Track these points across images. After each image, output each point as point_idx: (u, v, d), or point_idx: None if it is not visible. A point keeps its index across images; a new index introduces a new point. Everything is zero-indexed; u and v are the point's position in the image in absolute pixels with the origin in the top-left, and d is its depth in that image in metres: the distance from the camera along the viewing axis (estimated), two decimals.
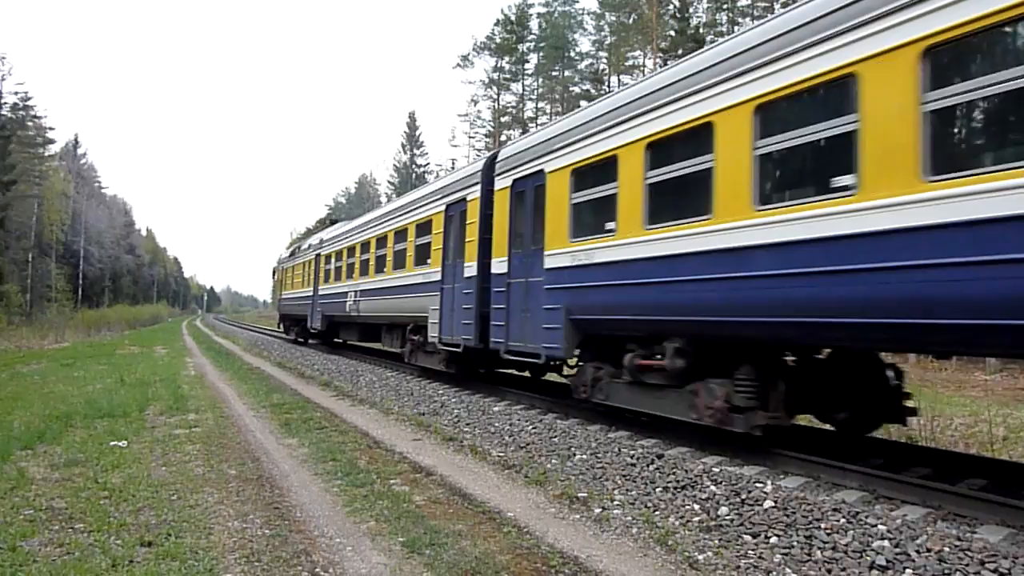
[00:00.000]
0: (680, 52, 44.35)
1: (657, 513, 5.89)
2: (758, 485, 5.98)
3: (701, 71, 7.20)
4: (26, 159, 62.09)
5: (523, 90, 61.43)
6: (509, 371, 14.35)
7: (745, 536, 5.25)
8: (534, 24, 59.59)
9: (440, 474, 7.29)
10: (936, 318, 4.97)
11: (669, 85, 7.67)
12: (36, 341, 36.12)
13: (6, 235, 53.66)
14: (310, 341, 28.78)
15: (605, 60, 55.84)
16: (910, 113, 5.13)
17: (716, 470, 6.53)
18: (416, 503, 6.21)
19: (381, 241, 18.07)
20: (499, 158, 12.00)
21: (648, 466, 6.96)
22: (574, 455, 7.77)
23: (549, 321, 9.51)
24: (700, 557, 4.95)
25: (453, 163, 67.22)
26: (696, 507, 5.88)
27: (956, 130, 5.33)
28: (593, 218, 9.08)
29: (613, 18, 54.17)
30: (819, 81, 5.86)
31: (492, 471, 7.54)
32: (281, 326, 35.54)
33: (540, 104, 60.75)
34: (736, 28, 41.85)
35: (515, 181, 11.08)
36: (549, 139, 10.20)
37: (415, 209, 15.84)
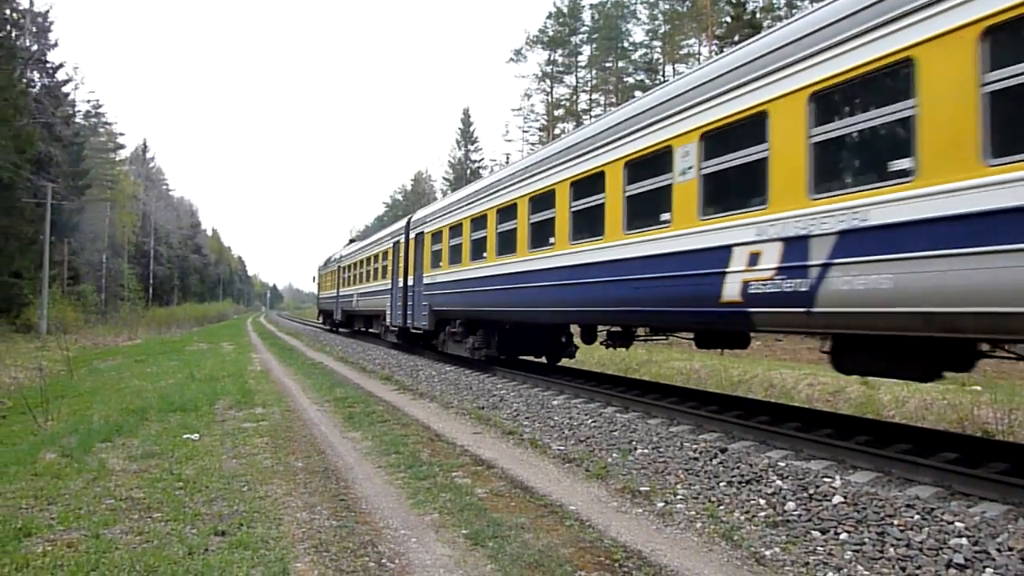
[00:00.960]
0: (737, 39, 43.53)
1: (721, 508, 5.81)
2: (826, 480, 5.84)
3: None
4: (98, 164, 64.48)
5: (576, 82, 61.19)
6: (527, 359, 16.94)
7: (814, 532, 5.13)
8: (587, 16, 59.25)
9: (501, 467, 7.32)
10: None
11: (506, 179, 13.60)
12: (111, 338, 37.58)
13: (81, 237, 55.86)
14: (340, 329, 37.01)
15: (659, 49, 55.15)
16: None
17: (782, 464, 6.40)
18: (478, 495, 6.25)
19: (366, 261, 26.90)
20: (412, 220, 20.23)
21: (711, 460, 6.87)
22: (635, 449, 7.72)
23: (424, 310, 17.70)
24: (767, 553, 4.86)
25: (507, 157, 67.38)
26: (762, 502, 5.78)
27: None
28: (437, 258, 17.13)
29: (667, 6, 53.44)
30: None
31: (552, 464, 7.54)
32: (320, 318, 46.61)
33: (594, 96, 60.38)
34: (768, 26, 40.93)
35: (417, 235, 19.09)
36: (423, 216, 19.02)
37: (379, 242, 25.11)
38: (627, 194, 9.11)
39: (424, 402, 12.10)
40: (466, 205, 15.63)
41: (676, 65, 53.21)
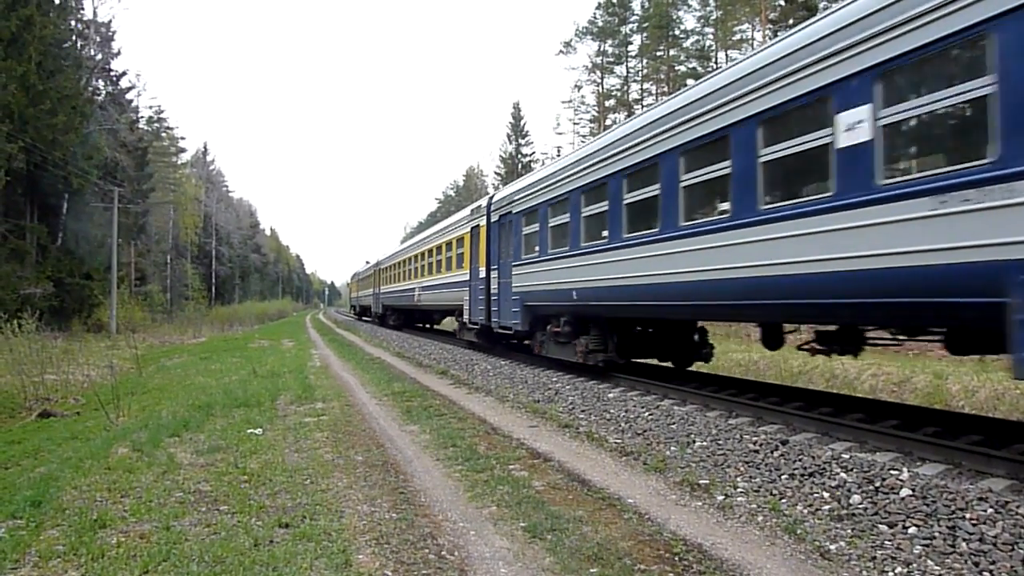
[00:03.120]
0: (791, 22, 42.46)
1: (784, 501, 5.70)
2: (893, 472, 5.67)
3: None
4: (162, 168, 66.52)
5: (627, 72, 60.47)
6: (648, 363, 14.13)
7: (880, 526, 4.99)
8: (636, 4, 58.48)
9: (558, 460, 7.31)
10: None
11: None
12: (177, 337, 38.81)
13: (147, 239, 57.74)
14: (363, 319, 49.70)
15: (711, 36, 54.16)
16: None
17: (846, 456, 6.24)
18: (536, 488, 6.26)
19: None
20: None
21: (772, 452, 6.74)
22: (694, 442, 7.62)
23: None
24: (832, 547, 4.75)
25: (558, 150, 67.16)
26: (825, 495, 5.64)
27: None
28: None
29: None
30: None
31: (610, 458, 7.50)
32: (352, 312, 64.19)
33: (645, 85, 59.65)
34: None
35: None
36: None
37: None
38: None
39: (480, 396, 12.17)
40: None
41: (729, 52, 52.23)
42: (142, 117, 61.85)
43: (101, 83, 49.89)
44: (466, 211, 20.91)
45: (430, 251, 24.89)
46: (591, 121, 65.52)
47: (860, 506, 5.33)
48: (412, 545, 4.88)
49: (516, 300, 14.98)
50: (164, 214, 64.91)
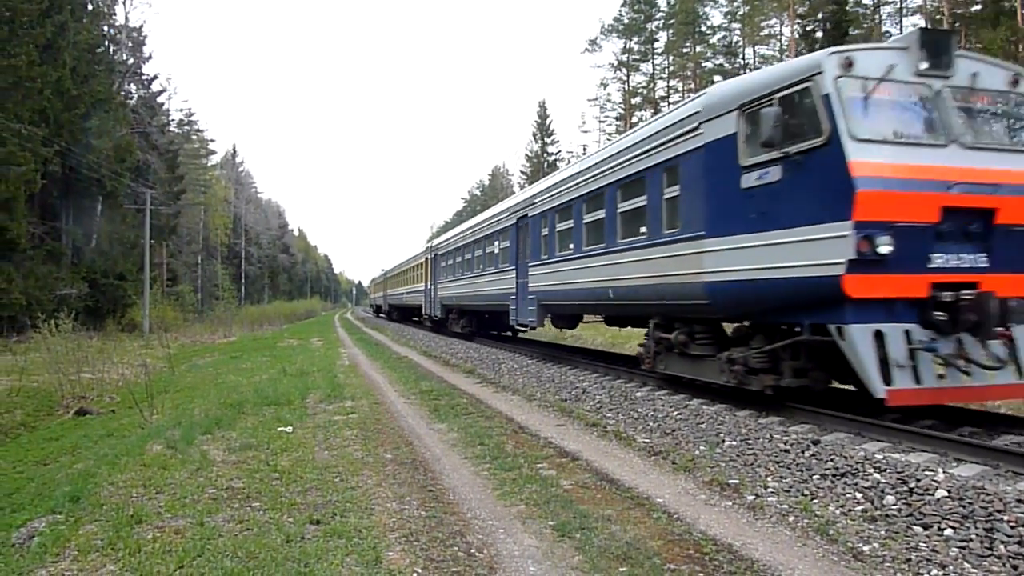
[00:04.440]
0: (820, 17, 41.97)
1: (815, 501, 5.63)
2: (928, 473, 5.59)
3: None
4: (192, 170, 67.47)
5: (653, 69, 60.26)
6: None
7: (915, 527, 4.92)
8: (662, 1, 58.16)
9: (586, 459, 7.31)
10: None
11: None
12: (208, 336, 39.30)
13: (178, 240, 58.59)
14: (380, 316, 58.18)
15: (738, 32, 53.66)
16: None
17: (879, 457, 6.16)
18: (564, 487, 6.26)
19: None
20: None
21: (803, 452, 6.66)
22: (723, 441, 7.57)
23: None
24: (865, 548, 4.69)
25: (584, 148, 67.00)
26: (858, 496, 5.57)
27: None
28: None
29: None
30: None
31: (638, 457, 7.48)
32: (371, 309, 75.87)
33: (671, 82, 59.31)
34: None
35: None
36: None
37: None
38: None
39: (507, 395, 12.19)
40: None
41: (756, 47, 51.76)
42: (173, 120, 62.74)
43: (133, 87, 50.76)
44: (379, 272, 47.28)
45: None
46: (617, 119, 65.35)
47: (894, 507, 5.26)
48: (441, 543, 4.91)
49: (387, 302, 32.92)
50: (195, 215, 65.84)
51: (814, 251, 7.06)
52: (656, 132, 10.29)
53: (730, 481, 6.24)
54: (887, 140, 7.01)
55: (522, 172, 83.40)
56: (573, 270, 13.49)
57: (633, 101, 61.78)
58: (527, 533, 5.11)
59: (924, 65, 7.30)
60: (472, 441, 8.22)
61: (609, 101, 65.41)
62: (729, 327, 9.73)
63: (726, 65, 55.39)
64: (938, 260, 6.93)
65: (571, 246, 13.79)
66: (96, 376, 18.20)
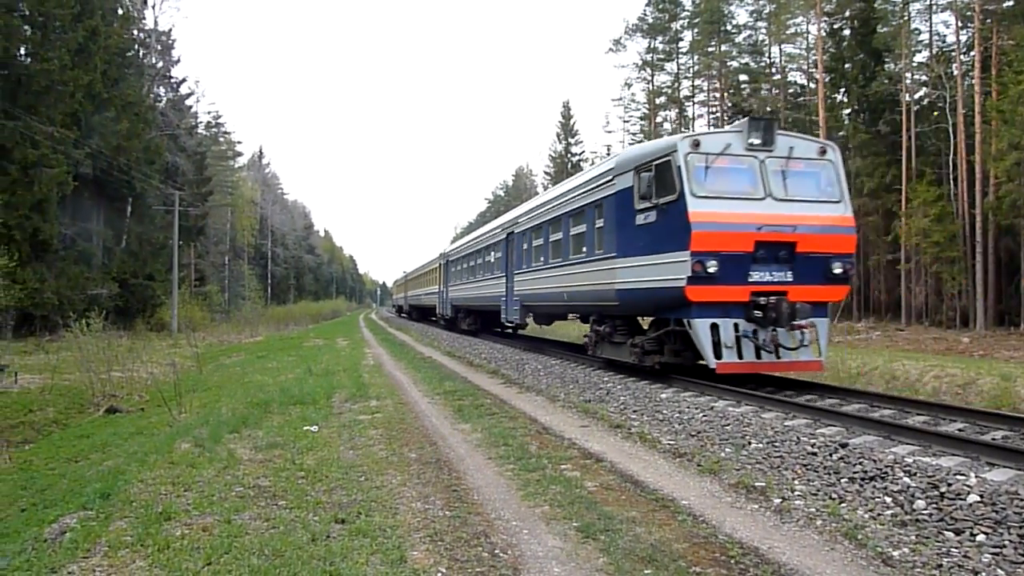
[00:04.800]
0: (847, 14, 41.43)
1: (843, 505, 5.56)
2: (959, 477, 5.49)
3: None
4: (220, 172, 68.18)
5: (678, 69, 59.70)
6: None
7: (946, 532, 4.84)
8: (687, 0, 57.72)
9: (610, 460, 7.28)
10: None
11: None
12: (235, 336, 39.73)
13: (206, 241, 59.29)
14: (401, 315, 62.12)
15: (764, 30, 53.11)
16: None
17: (909, 461, 6.07)
18: (588, 489, 6.23)
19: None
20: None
21: (831, 455, 6.59)
22: (749, 443, 7.50)
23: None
24: (895, 553, 4.62)
25: (608, 149, 66.83)
26: (888, 500, 5.50)
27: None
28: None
29: None
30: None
31: (663, 459, 7.43)
32: (394, 309, 78.72)
33: (696, 82, 58.81)
34: None
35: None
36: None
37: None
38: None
39: (531, 395, 12.19)
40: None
41: (783, 46, 51.17)
42: (201, 122, 63.50)
43: (162, 90, 51.45)
44: (400, 275, 53.54)
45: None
46: (641, 119, 64.97)
47: (925, 512, 5.18)
48: (466, 543, 4.91)
49: (407, 302, 38.49)
50: (222, 216, 66.55)
51: (671, 270, 10.28)
52: (591, 178, 13.74)
53: (756, 484, 6.18)
54: (719, 196, 10.17)
55: (546, 173, 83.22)
56: (543, 278, 16.67)
57: (658, 101, 61.32)
58: (551, 534, 5.10)
59: (753, 142, 10.51)
60: (496, 441, 8.23)
61: (633, 101, 65.05)
62: (646, 321, 13.10)
63: (752, 64, 54.88)
64: (755, 276, 10.12)
65: (541, 259, 16.88)
66: (126, 375, 18.49)
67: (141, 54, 45.59)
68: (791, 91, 50.55)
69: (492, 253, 22.50)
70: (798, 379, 11.84)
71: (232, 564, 4.41)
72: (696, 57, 57.03)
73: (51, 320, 29.55)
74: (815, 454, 6.74)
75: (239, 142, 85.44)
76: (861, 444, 6.97)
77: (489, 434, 8.66)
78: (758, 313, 10.11)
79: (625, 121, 67.20)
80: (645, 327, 12.96)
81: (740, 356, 10.10)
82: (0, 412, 14.15)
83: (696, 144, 10.43)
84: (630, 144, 66.73)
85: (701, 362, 11.01)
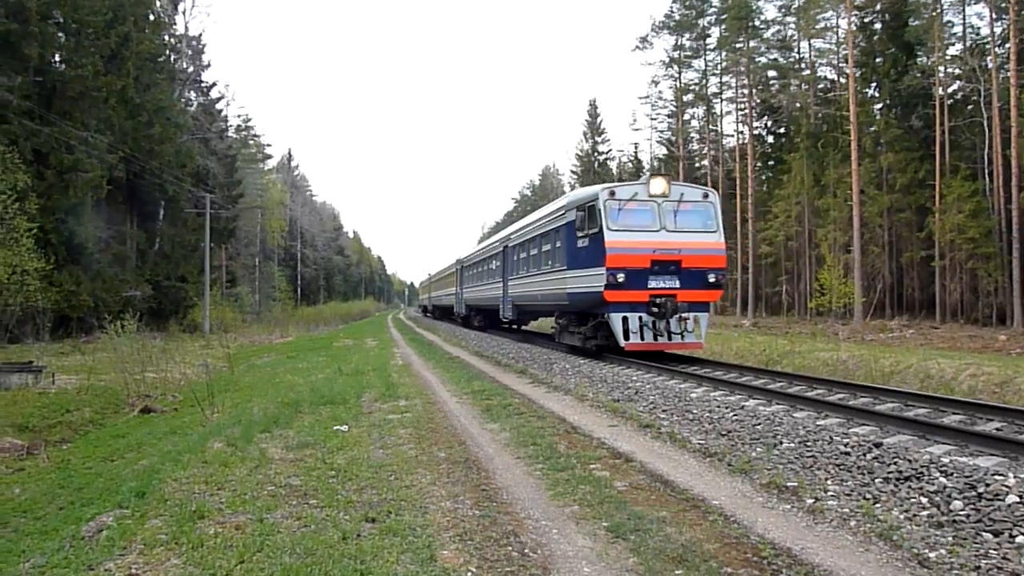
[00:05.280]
0: (878, 8, 40.78)
1: (878, 505, 5.47)
2: (997, 478, 5.38)
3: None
4: (250, 174, 68.94)
5: (705, 66, 59.11)
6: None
7: (984, 534, 4.75)
8: None
9: (639, 460, 7.24)
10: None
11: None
12: (265, 336, 40.20)
13: (236, 243, 60.03)
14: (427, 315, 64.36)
15: (793, 25, 52.40)
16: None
17: (945, 460, 5.96)
18: (617, 488, 6.20)
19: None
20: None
21: (865, 455, 6.49)
22: (780, 443, 7.42)
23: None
24: (931, 555, 4.54)
25: (636, 147, 66.49)
26: (923, 500, 5.40)
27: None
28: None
29: None
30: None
31: (693, 458, 7.38)
32: (420, 309, 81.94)
33: (724, 78, 58.19)
34: None
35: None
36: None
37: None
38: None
39: (559, 395, 12.17)
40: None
41: (812, 41, 50.42)
42: (231, 126, 64.31)
43: (193, 94, 52.15)
44: (426, 277, 55.56)
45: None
46: (669, 116, 64.57)
47: (962, 513, 5.09)
48: (495, 542, 4.92)
49: (429, 303, 54.45)
50: (252, 219, 67.26)
51: (596, 280, 14.79)
52: (554, 211, 18.67)
53: (788, 484, 6.11)
54: (627, 229, 14.71)
55: (572, 172, 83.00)
56: (526, 283, 21.26)
57: (685, 98, 60.77)
58: (581, 534, 5.09)
59: (654, 192, 15.15)
60: (524, 441, 8.22)
61: (661, 99, 64.55)
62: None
63: (780, 60, 54.20)
64: (652, 284, 14.63)
65: (524, 268, 21.53)
66: (160, 375, 18.80)
67: (172, 59, 46.23)
68: (821, 86, 49.81)
69: (494, 262, 26.87)
70: (830, 379, 11.67)
71: (264, 562, 4.45)
72: (724, 53, 56.40)
73: (87, 322, 30.13)
74: (848, 454, 6.65)
75: (268, 145, 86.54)
76: (895, 444, 6.86)
77: (518, 433, 8.66)
78: (655, 309, 14.73)
79: (652, 119, 66.89)
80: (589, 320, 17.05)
81: (642, 338, 14.74)
82: (38, 412, 14.43)
83: (612, 193, 15.10)
84: (656, 142, 66.71)
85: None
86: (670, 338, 14.85)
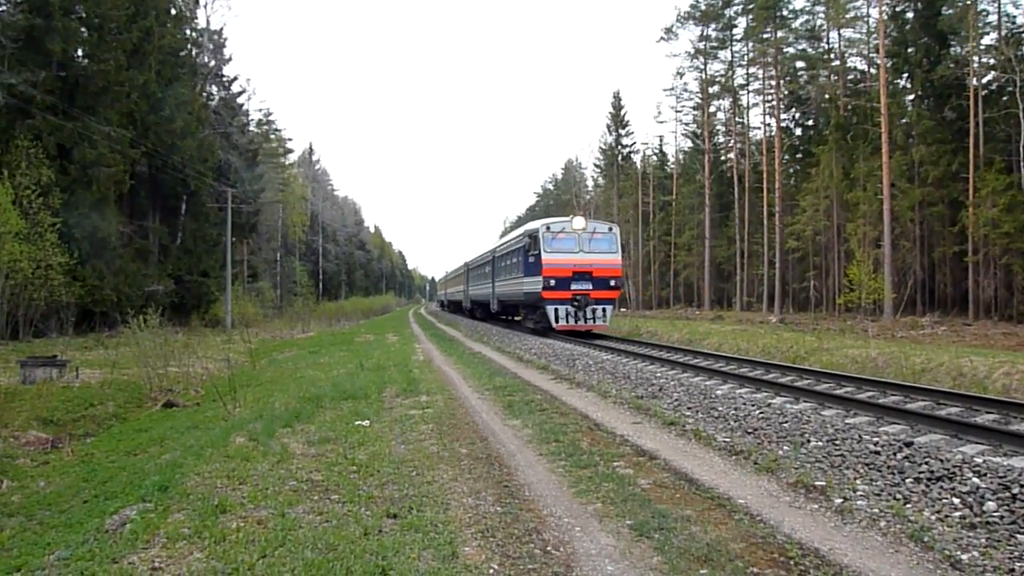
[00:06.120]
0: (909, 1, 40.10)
1: (909, 506, 5.41)
2: None
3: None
4: (271, 169, 69.39)
5: (732, 57, 58.40)
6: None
7: (1019, 536, 4.68)
8: None
9: (663, 458, 7.21)
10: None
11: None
12: (287, 331, 40.49)
13: (258, 238, 60.51)
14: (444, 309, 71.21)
15: (822, 15, 51.70)
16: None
17: (978, 460, 5.88)
18: (641, 486, 6.19)
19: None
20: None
21: (895, 454, 6.42)
22: (808, 441, 7.36)
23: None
24: (964, 557, 4.48)
25: (661, 140, 66.05)
26: (956, 501, 5.33)
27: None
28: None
29: None
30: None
31: (718, 456, 7.34)
32: (436, 303, 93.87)
33: (751, 70, 57.54)
34: None
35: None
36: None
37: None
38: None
39: (581, 391, 12.15)
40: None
41: (842, 30, 49.72)
42: (252, 120, 64.67)
43: (214, 88, 52.51)
44: (443, 274, 72.56)
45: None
46: (694, 109, 64.05)
47: (995, 514, 5.02)
48: (517, 539, 4.93)
49: (443, 298, 67.58)
50: (273, 213, 67.73)
51: (538, 284, 22.82)
52: (518, 235, 26.35)
53: (816, 483, 6.06)
54: (557, 252, 22.75)
55: (596, 165, 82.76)
56: (504, 285, 29.54)
57: (711, 90, 60.19)
58: (604, 532, 5.08)
59: (575, 227, 23.28)
60: (547, 438, 8.23)
61: (686, 91, 63.97)
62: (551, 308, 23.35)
63: (809, 50, 53.49)
64: (574, 287, 22.57)
65: (504, 274, 29.44)
66: (182, 370, 19.01)
67: (194, 53, 46.59)
68: (851, 77, 49.11)
69: (487, 267, 35.03)
70: (858, 376, 11.50)
71: (286, 557, 4.50)
72: (751, 44, 55.75)
73: (110, 316, 30.55)
74: (878, 453, 6.58)
75: (289, 139, 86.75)
76: (927, 443, 6.78)
77: (540, 430, 8.67)
78: (575, 303, 22.74)
79: (677, 111, 66.64)
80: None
81: (567, 322, 22.85)
82: (62, 406, 14.67)
83: (548, 227, 23.49)
84: (682, 134, 66.24)
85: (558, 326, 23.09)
86: (585, 321, 23.04)
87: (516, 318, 35.95)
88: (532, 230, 24.12)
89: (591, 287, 22.71)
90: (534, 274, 23.26)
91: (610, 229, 24.18)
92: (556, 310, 22.71)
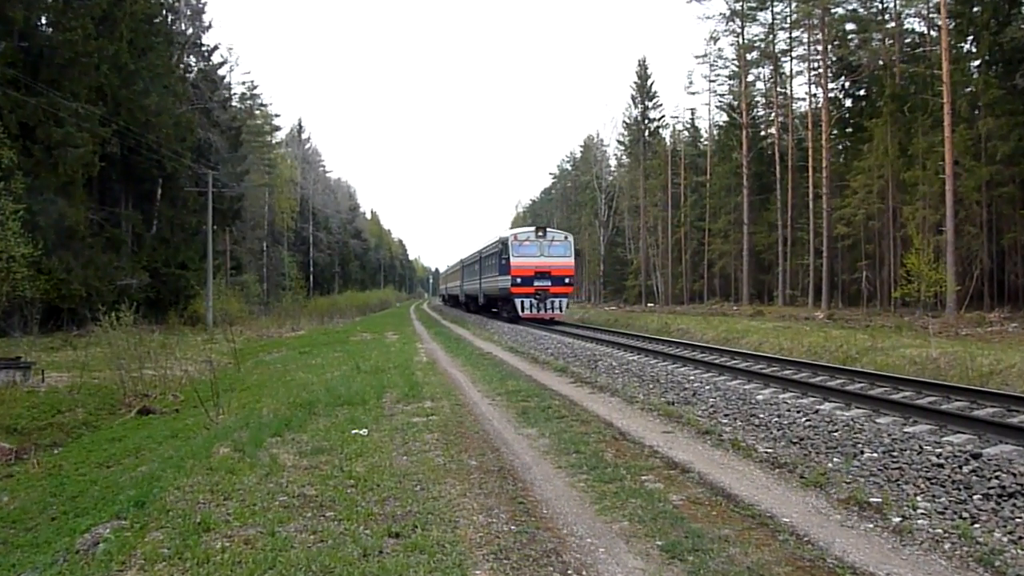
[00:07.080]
0: None
1: (976, 526, 5.38)
2: None
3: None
4: (256, 148, 69.63)
5: (772, 19, 57.66)
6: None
7: None
8: None
9: (698, 471, 7.20)
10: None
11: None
12: (275, 329, 40.67)
13: (242, 225, 60.67)
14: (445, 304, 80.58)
15: None
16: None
17: None
18: (673, 503, 6.18)
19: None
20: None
21: (961, 468, 6.38)
22: (861, 453, 7.33)
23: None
24: None
25: (692, 113, 65.57)
26: None
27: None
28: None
29: None
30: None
31: (759, 469, 7.32)
32: (439, 298, 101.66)
33: (795, 33, 56.95)
34: None
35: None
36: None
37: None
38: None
39: (604, 396, 12.15)
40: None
41: None
42: (235, 94, 64.93)
43: (192, 59, 52.69)
44: (446, 269, 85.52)
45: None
46: (730, 78, 63.55)
47: None
48: (535, 562, 4.93)
49: (446, 292, 77.16)
50: (259, 198, 67.91)
51: (507, 282, 33.89)
52: (495, 241, 38.07)
53: (871, 500, 6.03)
54: (523, 256, 33.71)
55: (619, 142, 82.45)
56: (487, 282, 40.14)
57: (749, 56, 59.50)
58: (632, 554, 5.08)
59: (538, 236, 34.80)
60: (566, 448, 8.23)
61: (721, 58, 63.44)
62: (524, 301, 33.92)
63: (860, 10, 52.94)
64: (536, 284, 33.45)
65: (488, 272, 39.68)
66: (159, 372, 19.15)
67: (169, 20, 46.82)
68: (908, 41, 48.67)
69: (476, 266, 45.31)
70: (918, 379, 11.45)
71: None
72: (794, 4, 55.26)
73: (79, 313, 30.69)
74: (941, 466, 6.54)
75: (277, 115, 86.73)
76: (997, 455, 6.74)
77: (558, 440, 8.67)
78: (537, 296, 33.20)
79: (711, 81, 65.81)
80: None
81: (531, 312, 33.23)
82: (27, 413, 14.79)
83: (516, 237, 34.47)
84: (716, 107, 65.94)
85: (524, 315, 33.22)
86: (545, 311, 33.42)
87: (489, 309, 47.05)
88: (504, 238, 35.31)
89: (550, 283, 33.46)
90: (505, 274, 33.93)
91: (565, 238, 35.59)
92: (522, 302, 33.14)
